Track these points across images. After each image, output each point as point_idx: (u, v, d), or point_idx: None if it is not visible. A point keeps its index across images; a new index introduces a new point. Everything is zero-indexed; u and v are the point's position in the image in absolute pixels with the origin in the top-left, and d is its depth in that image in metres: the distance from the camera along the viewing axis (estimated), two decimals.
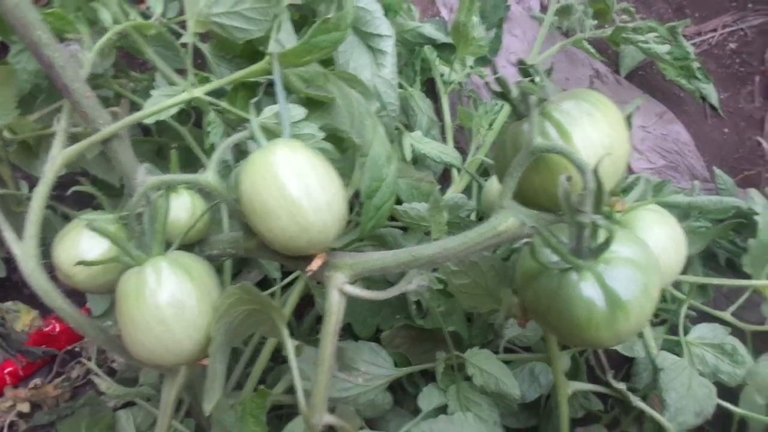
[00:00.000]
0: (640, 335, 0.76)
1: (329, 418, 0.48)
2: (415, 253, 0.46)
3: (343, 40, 0.58)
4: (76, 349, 1.03)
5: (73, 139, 0.57)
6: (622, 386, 0.74)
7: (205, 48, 0.75)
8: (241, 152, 0.69)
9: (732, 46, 1.25)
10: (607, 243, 0.39)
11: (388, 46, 0.74)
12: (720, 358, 0.75)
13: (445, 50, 0.98)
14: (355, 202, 0.80)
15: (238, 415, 0.65)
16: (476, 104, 0.99)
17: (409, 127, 0.98)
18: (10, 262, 0.65)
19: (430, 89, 1.08)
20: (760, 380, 0.72)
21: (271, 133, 0.57)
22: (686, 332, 0.79)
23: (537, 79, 0.46)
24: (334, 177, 0.48)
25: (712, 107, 1.20)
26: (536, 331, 0.77)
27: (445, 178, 1.08)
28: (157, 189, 0.50)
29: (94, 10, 0.67)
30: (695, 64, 1.04)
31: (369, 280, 0.75)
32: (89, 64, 0.58)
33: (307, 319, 0.97)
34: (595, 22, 1.03)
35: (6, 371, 1.02)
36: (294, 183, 0.46)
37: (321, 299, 0.84)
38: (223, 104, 0.63)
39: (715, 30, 1.27)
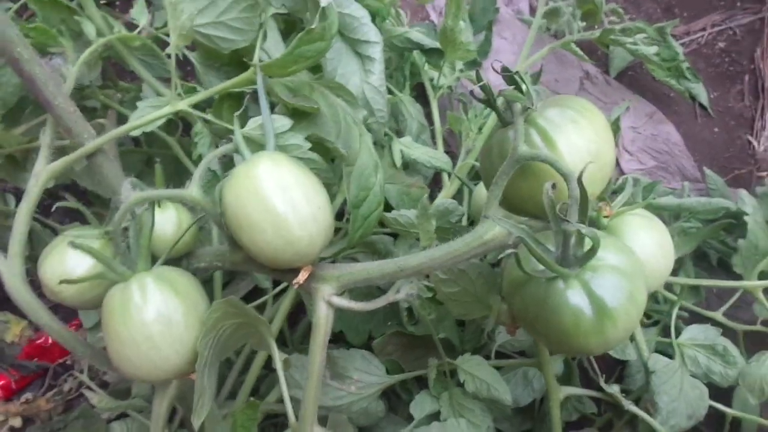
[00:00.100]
0: (632, 338, 0.76)
1: (320, 431, 0.48)
2: (401, 263, 0.45)
3: (327, 49, 0.58)
4: (68, 362, 1.02)
5: (61, 151, 0.56)
6: (615, 388, 0.74)
7: (193, 57, 0.74)
8: (230, 162, 0.68)
9: (721, 45, 1.26)
10: (592, 251, 0.39)
11: (376, 52, 0.74)
12: (712, 359, 0.75)
13: (434, 55, 0.97)
14: (345, 210, 0.79)
15: (229, 427, 0.64)
16: (466, 108, 0.99)
17: (399, 133, 0.98)
18: None
19: (420, 94, 1.07)
20: (751, 381, 0.72)
21: (257, 145, 0.56)
22: (678, 333, 0.79)
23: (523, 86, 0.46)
24: (319, 188, 0.48)
25: (702, 107, 1.20)
26: (528, 336, 0.77)
27: (435, 183, 1.08)
28: (141, 204, 0.50)
29: (78, 23, 0.67)
30: (684, 65, 1.04)
31: (359, 289, 0.75)
32: (73, 78, 0.58)
33: (300, 326, 0.96)
34: (584, 23, 1.03)
35: None
36: (278, 196, 0.45)
37: (311, 308, 0.83)
38: (208, 116, 0.62)
39: (704, 29, 1.27)
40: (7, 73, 0.69)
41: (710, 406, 0.73)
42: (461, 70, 1.04)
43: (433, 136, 1.03)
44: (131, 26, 0.74)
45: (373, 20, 0.74)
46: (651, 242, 0.50)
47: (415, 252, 0.75)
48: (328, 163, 0.61)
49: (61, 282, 0.49)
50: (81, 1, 0.68)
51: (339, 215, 0.82)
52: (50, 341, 1.03)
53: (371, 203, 0.59)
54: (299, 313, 0.96)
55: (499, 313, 0.48)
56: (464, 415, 0.67)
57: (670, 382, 0.66)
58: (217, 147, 0.64)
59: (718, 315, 0.84)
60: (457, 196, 0.95)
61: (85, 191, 0.96)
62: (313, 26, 0.55)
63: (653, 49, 0.99)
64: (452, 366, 0.71)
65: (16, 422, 0.94)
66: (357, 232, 0.59)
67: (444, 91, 1.03)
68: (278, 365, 0.48)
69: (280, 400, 0.78)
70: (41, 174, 0.52)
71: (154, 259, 0.52)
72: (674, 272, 0.74)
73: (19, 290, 0.50)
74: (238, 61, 0.71)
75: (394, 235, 0.80)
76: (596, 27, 1.03)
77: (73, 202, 0.57)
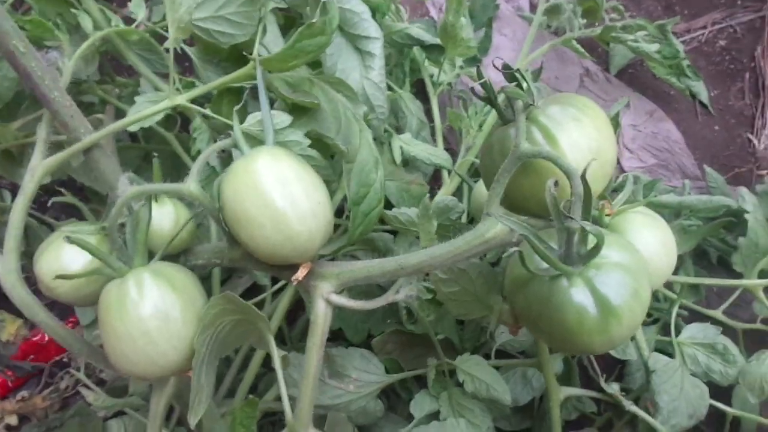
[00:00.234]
0: (632, 337, 0.75)
1: None
2: (401, 261, 0.45)
3: (327, 44, 0.57)
4: (65, 360, 1.01)
5: (58, 147, 0.56)
6: (615, 387, 0.73)
7: (192, 52, 0.74)
8: (229, 158, 0.68)
9: (722, 43, 1.25)
10: (596, 248, 0.39)
11: (377, 48, 0.73)
12: (712, 358, 0.75)
13: (434, 51, 0.97)
14: (344, 207, 0.79)
15: (228, 425, 0.64)
16: (466, 105, 0.98)
17: (399, 129, 0.97)
18: None
19: (420, 90, 1.07)
20: (751, 379, 0.72)
21: (256, 141, 0.56)
22: (678, 331, 0.79)
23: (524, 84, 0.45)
24: (318, 184, 0.48)
25: (703, 105, 1.19)
26: (529, 336, 0.76)
27: (435, 180, 1.08)
28: (138, 199, 0.49)
29: (75, 16, 0.66)
30: (685, 62, 1.04)
31: (359, 287, 0.75)
32: (69, 72, 0.57)
33: (298, 324, 0.96)
34: (585, 20, 1.02)
35: None
36: (277, 192, 0.45)
37: (310, 306, 0.83)
38: (206, 111, 0.62)
39: (704, 27, 1.27)
40: (3, 67, 0.69)
41: (710, 405, 0.73)
42: (461, 67, 1.04)
43: (432, 133, 1.03)
44: (129, 21, 0.73)
45: (373, 16, 0.73)
46: (654, 240, 0.49)
47: (416, 250, 0.75)
48: (327, 159, 0.60)
49: (56, 277, 0.48)
50: None
51: (339, 212, 0.82)
52: (46, 339, 1.02)
53: (372, 200, 0.58)
54: (298, 311, 0.96)
55: (501, 312, 0.48)
56: (464, 415, 0.67)
57: (670, 381, 0.66)
58: (216, 143, 0.63)
59: (717, 313, 0.83)
60: (457, 193, 0.94)
61: (83, 187, 0.96)
62: (313, 21, 0.54)
63: (654, 47, 0.99)
64: (451, 366, 0.70)
65: (12, 420, 0.94)
66: (357, 229, 0.58)
67: (444, 88, 1.03)
68: (277, 363, 0.47)
69: (279, 398, 0.78)
70: (37, 169, 0.51)
71: (151, 256, 0.51)
72: (674, 271, 0.74)
73: (14, 287, 0.50)
74: (237, 56, 0.70)
75: (394, 233, 0.80)
76: (597, 24, 1.03)
77: (70, 198, 0.56)
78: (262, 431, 0.87)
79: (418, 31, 0.93)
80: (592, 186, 0.39)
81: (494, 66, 0.44)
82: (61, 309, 0.95)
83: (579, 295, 0.39)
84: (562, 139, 0.43)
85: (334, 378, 0.64)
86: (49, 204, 0.58)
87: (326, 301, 0.46)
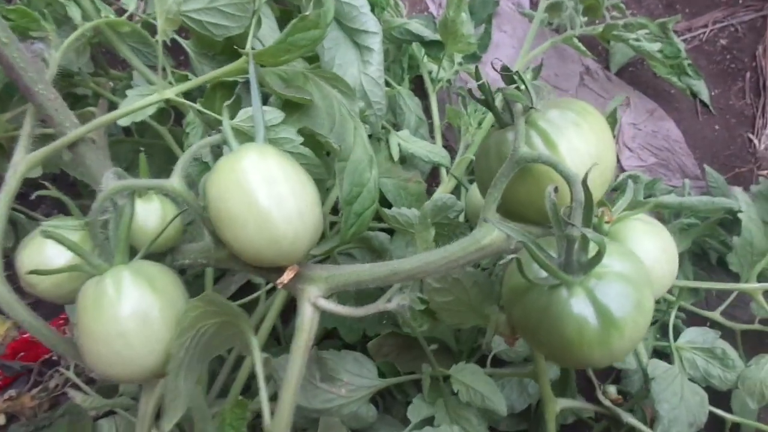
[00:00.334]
0: None
1: None
2: (393, 267, 0.43)
3: (322, 38, 0.55)
4: (54, 358, 1.00)
5: (48, 138, 0.54)
6: (613, 390, 0.72)
7: (187, 44, 0.72)
8: (222, 154, 0.66)
9: (723, 42, 1.24)
10: (598, 257, 0.37)
11: (375, 43, 0.72)
12: (711, 363, 0.74)
13: (434, 47, 0.95)
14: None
15: (217, 426, 0.63)
16: (465, 102, 0.97)
17: (397, 126, 0.96)
18: None
19: (419, 87, 1.05)
20: (751, 385, 0.71)
21: (247, 137, 0.54)
22: (676, 334, 0.77)
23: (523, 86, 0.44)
24: (308, 184, 0.46)
25: (703, 104, 1.18)
26: (526, 346, 0.75)
27: (433, 177, 1.06)
28: (123, 195, 0.47)
29: (64, 6, 0.64)
30: (686, 62, 1.03)
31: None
32: (56, 64, 0.55)
33: (293, 323, 0.94)
34: (585, 18, 1.01)
35: None
36: (263, 191, 0.43)
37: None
38: (197, 106, 0.60)
39: (705, 26, 1.25)
40: None
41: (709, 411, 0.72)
42: (460, 64, 1.02)
43: (431, 130, 1.01)
44: (123, 12, 0.72)
45: (372, 10, 0.72)
46: (654, 248, 0.48)
47: (412, 250, 0.73)
48: (321, 157, 0.58)
49: (30, 272, 0.46)
50: None
51: (335, 210, 0.80)
52: None
53: (365, 200, 0.56)
54: (293, 310, 0.94)
55: (497, 323, 0.47)
56: (459, 423, 0.65)
57: (670, 389, 0.65)
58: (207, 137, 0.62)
59: (716, 315, 0.82)
60: (456, 191, 0.93)
61: (75, 181, 0.94)
62: (307, 13, 0.53)
63: (656, 46, 0.97)
64: (446, 373, 0.69)
65: (0, 419, 0.92)
66: (350, 229, 0.57)
67: (443, 85, 1.01)
68: (258, 367, 0.46)
69: (273, 398, 0.77)
70: (20, 164, 0.49)
71: (136, 254, 0.50)
72: None
73: None
74: (232, 49, 0.69)
75: (390, 231, 0.78)
76: (597, 22, 1.01)
77: (54, 192, 0.54)
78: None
79: (417, 26, 0.91)
80: (592, 192, 0.38)
81: (493, 68, 0.42)
82: (52, 306, 0.94)
83: (579, 305, 0.38)
84: (561, 145, 0.42)
85: (326, 381, 0.62)
86: (31, 197, 0.56)
87: (313, 305, 0.45)
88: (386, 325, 0.78)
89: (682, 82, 1.06)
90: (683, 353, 0.75)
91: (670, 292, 0.84)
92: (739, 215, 0.77)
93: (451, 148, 1.04)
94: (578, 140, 0.42)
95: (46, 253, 0.50)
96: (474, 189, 0.72)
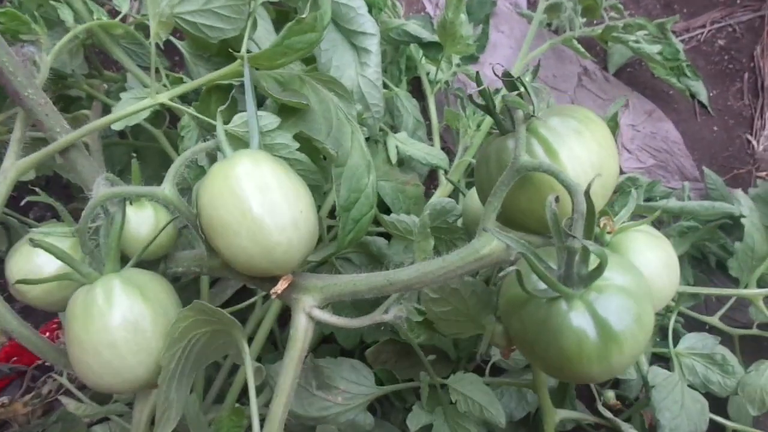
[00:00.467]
0: None
1: None
2: (390, 277, 0.42)
3: (318, 41, 0.54)
4: (47, 363, 0.98)
5: (40, 142, 0.53)
6: (611, 395, 0.72)
7: (183, 46, 0.71)
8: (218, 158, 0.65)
9: (721, 42, 1.23)
10: (599, 269, 0.36)
11: (373, 44, 0.71)
12: (710, 369, 0.73)
13: (432, 49, 0.94)
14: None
15: None
16: (463, 104, 0.96)
17: (395, 128, 0.95)
18: None
19: (416, 88, 1.04)
20: (751, 391, 0.71)
21: (242, 142, 0.53)
22: (676, 337, 0.77)
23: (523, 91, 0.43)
24: (303, 192, 0.45)
25: (702, 105, 1.18)
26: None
27: (431, 180, 1.06)
28: (114, 201, 0.46)
29: (55, 9, 0.63)
30: (685, 62, 1.02)
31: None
32: (47, 67, 0.54)
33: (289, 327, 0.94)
34: (584, 19, 1.00)
35: None
36: (256, 199, 0.42)
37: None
38: (191, 110, 0.59)
39: (703, 26, 1.25)
40: None
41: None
42: (458, 65, 1.01)
43: (429, 133, 1.01)
44: (116, 14, 0.71)
45: (369, 11, 0.71)
46: (657, 261, 0.47)
47: (410, 255, 0.72)
48: (318, 162, 0.57)
49: (18, 282, 0.45)
50: None
51: (333, 214, 0.79)
52: None
53: (363, 206, 0.56)
54: (290, 314, 0.93)
55: (493, 334, 0.46)
56: (458, 431, 0.64)
57: (671, 397, 0.64)
58: (205, 141, 0.61)
59: (714, 320, 0.82)
60: (454, 194, 0.92)
61: (68, 183, 0.92)
62: (303, 16, 0.52)
63: (656, 48, 0.97)
64: (445, 382, 0.68)
65: None
66: (347, 236, 0.56)
67: (441, 86, 1.00)
68: (249, 376, 0.45)
69: (267, 405, 0.76)
70: (9, 171, 0.48)
71: (128, 261, 0.49)
72: None
73: None
74: (228, 51, 0.68)
75: (389, 236, 0.78)
76: (595, 23, 1.01)
77: (45, 197, 0.53)
78: None
79: (415, 27, 0.90)
80: (594, 202, 0.37)
81: (494, 73, 0.41)
82: (45, 312, 0.93)
83: (578, 319, 0.37)
84: (562, 153, 0.41)
85: (322, 389, 0.62)
86: (22, 203, 0.55)
87: (308, 315, 0.44)
88: (384, 331, 0.77)
89: (680, 83, 1.05)
90: (683, 359, 0.75)
91: None
92: (742, 220, 0.76)
93: (449, 150, 1.04)
94: (580, 148, 0.41)
95: (35, 261, 0.49)
96: (471, 194, 0.71)
